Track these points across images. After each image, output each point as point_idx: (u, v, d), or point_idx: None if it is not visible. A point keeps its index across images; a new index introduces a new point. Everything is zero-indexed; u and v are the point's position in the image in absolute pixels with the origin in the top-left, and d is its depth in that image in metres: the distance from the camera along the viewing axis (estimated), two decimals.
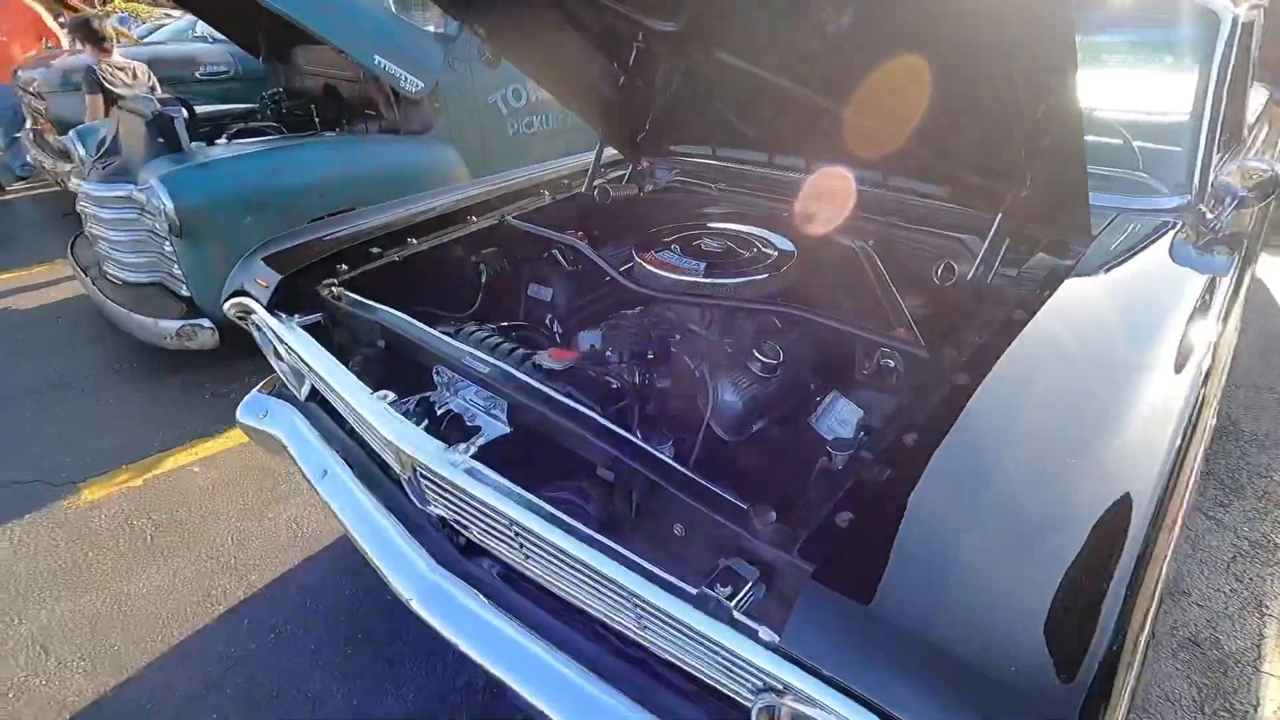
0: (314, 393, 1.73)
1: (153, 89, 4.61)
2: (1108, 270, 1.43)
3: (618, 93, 2.03)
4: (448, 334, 1.37)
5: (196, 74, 5.46)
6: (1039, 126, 1.15)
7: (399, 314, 1.44)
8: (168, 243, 3.05)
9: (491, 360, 1.21)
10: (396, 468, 1.24)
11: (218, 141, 3.61)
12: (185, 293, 3.14)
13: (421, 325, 1.40)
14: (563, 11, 1.72)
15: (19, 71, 5.49)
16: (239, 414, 1.89)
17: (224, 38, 5.52)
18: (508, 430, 1.17)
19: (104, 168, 3.34)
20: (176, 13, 15.20)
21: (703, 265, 1.60)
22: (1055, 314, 1.24)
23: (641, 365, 1.47)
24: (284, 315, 1.60)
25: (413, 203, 2.06)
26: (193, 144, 3.36)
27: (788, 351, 1.53)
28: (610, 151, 2.21)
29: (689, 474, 0.94)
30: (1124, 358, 1.17)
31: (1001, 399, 1.04)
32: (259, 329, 1.72)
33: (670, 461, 0.96)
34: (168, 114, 3.28)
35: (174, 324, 3.03)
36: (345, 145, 3.38)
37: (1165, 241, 1.58)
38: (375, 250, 1.75)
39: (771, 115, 1.79)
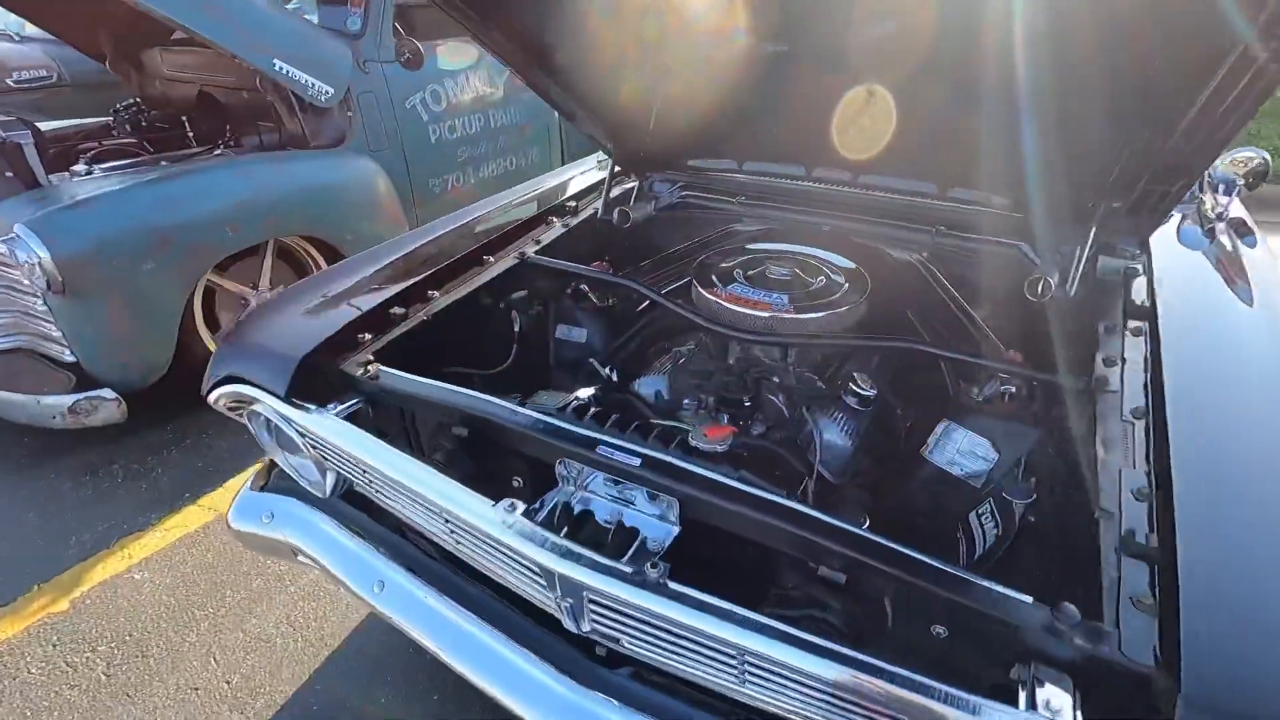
0: (338, 482, 1.44)
1: None
2: (1179, 265, 1.48)
3: (629, 105, 1.85)
4: (549, 413, 1.17)
5: (8, 81, 4.52)
6: (1178, 143, 1.14)
7: (481, 395, 1.21)
8: (38, 300, 2.49)
9: (642, 449, 1.04)
10: (543, 595, 1.03)
11: (75, 169, 2.99)
12: (68, 358, 2.58)
13: (517, 406, 1.18)
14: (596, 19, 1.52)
15: None
16: (232, 518, 1.56)
17: (45, 35, 4.65)
18: (677, 532, 1.01)
19: None
20: None
21: (785, 298, 1.48)
22: (1177, 318, 1.24)
23: (782, 424, 1.35)
24: (310, 405, 1.31)
25: (398, 247, 1.77)
26: (51, 176, 2.77)
27: (878, 381, 1.47)
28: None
29: (959, 572, 0.84)
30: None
31: (1202, 426, 1.01)
32: (266, 422, 1.40)
33: (930, 560, 0.85)
34: (12, 140, 2.66)
35: (63, 399, 2.49)
36: (251, 166, 2.90)
37: (1195, 231, 1.66)
38: (397, 311, 1.48)
39: (821, 126, 1.69)
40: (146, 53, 3.66)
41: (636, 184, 2.03)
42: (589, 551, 0.95)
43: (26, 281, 2.44)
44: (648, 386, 1.58)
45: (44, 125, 3.35)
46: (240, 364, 1.38)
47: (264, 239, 2.89)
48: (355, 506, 1.49)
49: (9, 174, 2.61)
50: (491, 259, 1.71)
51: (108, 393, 2.52)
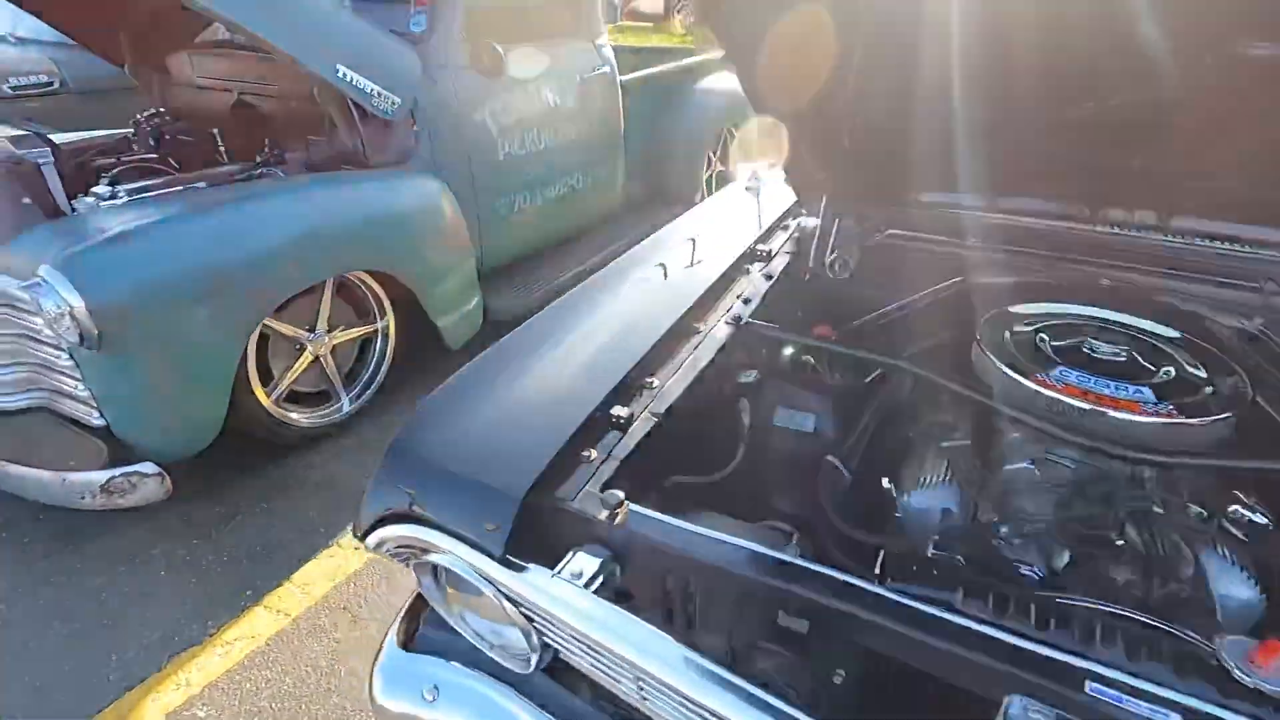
0: (543, 650, 1.03)
1: None
2: None
3: (829, 116, 1.46)
4: (964, 612, 0.77)
5: (4, 87, 4.04)
6: None
7: (822, 569, 0.81)
8: (63, 354, 2.05)
9: (1174, 694, 0.64)
10: None
11: (97, 191, 2.54)
12: (97, 421, 2.14)
13: (884, 590, 0.78)
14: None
15: None
16: (378, 693, 1.13)
17: (43, 37, 4.19)
18: None
19: None
20: None
21: (1148, 392, 1.10)
22: None
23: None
24: (528, 565, 0.90)
25: (573, 313, 1.36)
26: (72, 201, 2.32)
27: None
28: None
29: None
30: None
31: None
32: (436, 569, 0.99)
33: None
34: (30, 159, 2.22)
35: (95, 476, 2.04)
36: (313, 190, 2.46)
37: None
38: (619, 412, 1.07)
39: (1115, 152, 1.31)
40: (173, 57, 3.22)
41: (821, 221, 1.62)
42: None
43: (49, 331, 2.00)
44: (925, 501, 1.19)
45: (55, 138, 2.90)
46: (425, 496, 0.97)
47: (328, 276, 2.46)
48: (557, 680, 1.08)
49: (26, 200, 2.17)
50: (702, 326, 1.31)
51: (149, 467, 2.08)
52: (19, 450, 2.12)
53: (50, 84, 4.19)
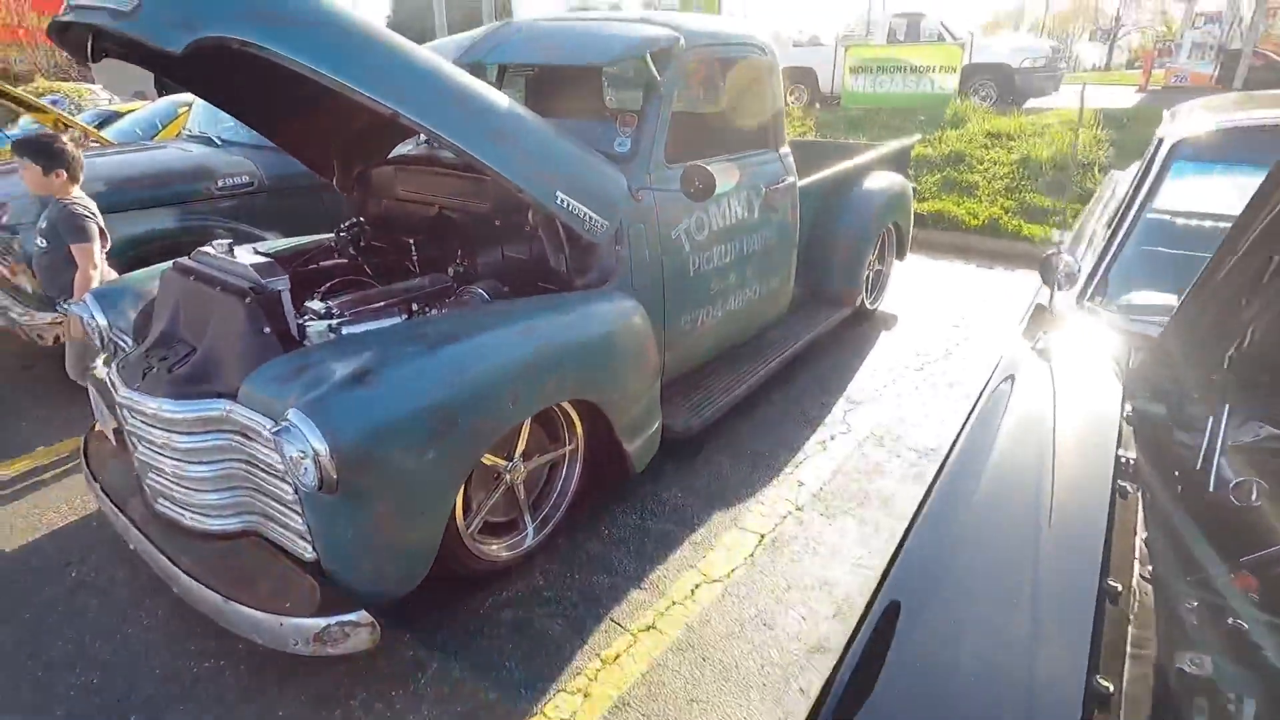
0: None
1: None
2: None
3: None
4: None
5: (214, 189, 4.37)
6: None
7: None
8: (288, 487, 2.01)
9: None
10: None
11: (312, 308, 2.58)
12: (308, 555, 2.07)
13: None
14: None
15: None
16: None
17: (245, 140, 4.53)
18: None
19: (168, 366, 2.26)
20: (107, 94, 13.52)
21: None
22: None
23: None
24: None
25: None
26: (308, 325, 2.34)
27: None
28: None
29: None
30: None
31: None
32: None
33: None
34: (271, 288, 2.26)
35: (311, 624, 1.95)
36: (533, 318, 2.39)
37: None
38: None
39: None
40: (378, 170, 3.34)
41: (1220, 435, 1.33)
42: None
43: (281, 465, 1.96)
44: None
45: (264, 246, 3.01)
46: None
47: (544, 407, 2.37)
48: None
49: (266, 329, 2.19)
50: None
51: (363, 616, 1.96)
52: (234, 585, 2.06)
53: (250, 185, 4.50)
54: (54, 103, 12.12)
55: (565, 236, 2.65)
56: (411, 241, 3.24)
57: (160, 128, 6.90)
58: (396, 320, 2.59)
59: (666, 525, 2.81)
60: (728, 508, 2.91)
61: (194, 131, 5.11)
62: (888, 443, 3.39)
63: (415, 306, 2.66)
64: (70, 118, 6.53)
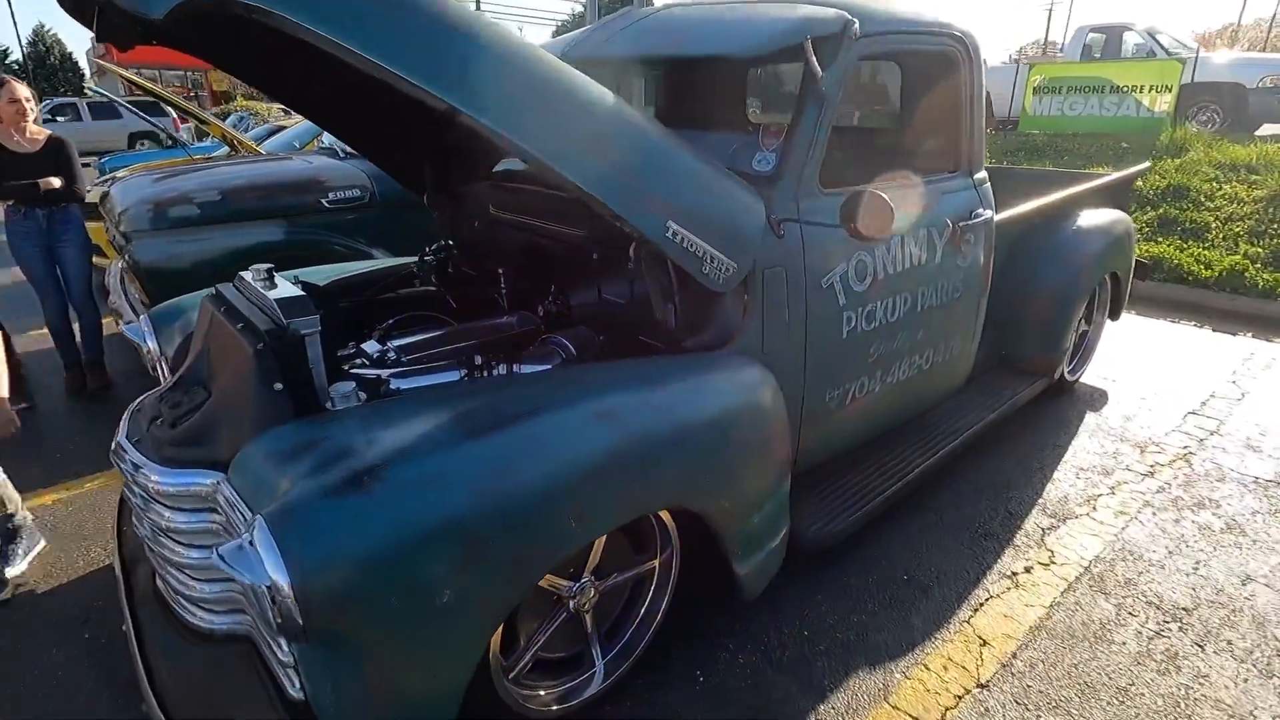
0: None
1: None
2: None
3: None
4: None
5: (324, 201, 4.16)
6: None
7: None
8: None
9: None
10: None
11: (366, 347, 2.10)
12: (294, 693, 1.52)
13: None
14: None
15: (110, 187, 4.23)
16: None
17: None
18: None
19: (174, 416, 1.83)
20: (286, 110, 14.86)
21: None
22: None
23: None
24: None
25: None
26: (337, 386, 1.84)
27: None
28: None
29: None
30: None
31: None
32: None
33: None
34: (294, 331, 1.77)
35: None
36: (616, 396, 1.74)
37: None
38: None
39: None
40: (469, 187, 2.87)
41: None
42: None
43: (270, 614, 1.42)
44: None
45: (321, 273, 2.60)
46: None
47: (624, 521, 1.70)
48: None
49: (278, 385, 1.69)
50: None
51: None
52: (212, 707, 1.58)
53: (362, 198, 4.26)
54: (239, 120, 13.33)
55: (676, 280, 1.99)
56: (501, 271, 2.72)
57: (311, 140, 7.10)
58: (457, 375, 2.05)
59: (784, 682, 2.04)
60: (872, 668, 2.08)
61: (324, 143, 5.04)
62: (1115, 590, 2.38)
63: (482, 357, 2.10)
64: (232, 130, 6.83)
